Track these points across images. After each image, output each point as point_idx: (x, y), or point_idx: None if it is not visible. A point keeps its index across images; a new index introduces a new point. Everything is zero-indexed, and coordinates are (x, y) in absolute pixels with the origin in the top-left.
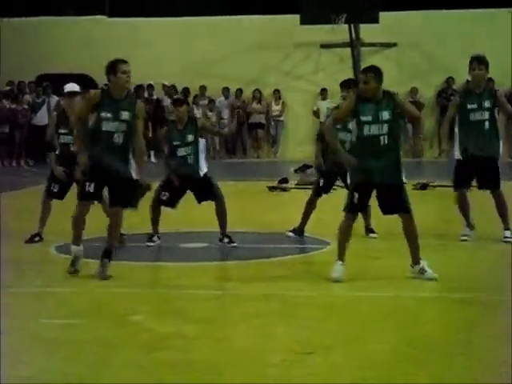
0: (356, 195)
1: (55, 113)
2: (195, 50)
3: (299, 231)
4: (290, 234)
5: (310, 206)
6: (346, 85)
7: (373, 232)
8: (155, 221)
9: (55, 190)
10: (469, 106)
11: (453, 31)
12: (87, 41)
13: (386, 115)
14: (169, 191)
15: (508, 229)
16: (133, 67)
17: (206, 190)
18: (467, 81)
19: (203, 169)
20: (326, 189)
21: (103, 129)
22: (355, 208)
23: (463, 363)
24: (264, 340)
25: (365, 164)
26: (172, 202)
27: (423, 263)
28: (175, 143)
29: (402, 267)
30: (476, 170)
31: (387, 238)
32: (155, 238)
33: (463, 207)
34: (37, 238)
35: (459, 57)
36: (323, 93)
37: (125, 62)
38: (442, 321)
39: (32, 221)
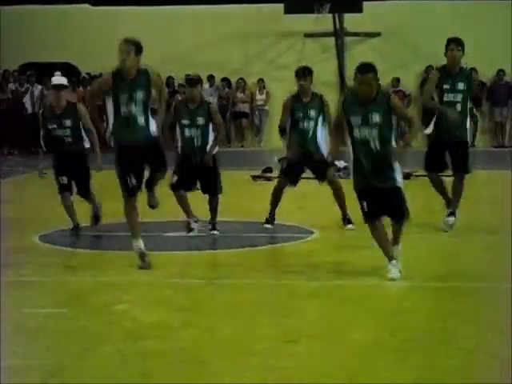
0: (364, 203)
1: (41, 110)
2: (179, 40)
3: (271, 219)
4: (268, 225)
5: (275, 193)
6: (302, 74)
7: (350, 223)
8: (183, 206)
9: (64, 182)
10: (444, 86)
11: (437, 21)
12: (71, 30)
13: (376, 118)
14: (177, 174)
15: (453, 214)
16: (117, 57)
17: (208, 182)
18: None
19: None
20: (291, 178)
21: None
22: (370, 216)
23: (445, 352)
24: (248, 329)
25: (360, 168)
26: (183, 185)
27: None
28: (184, 122)
29: (384, 257)
30: (448, 153)
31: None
32: (193, 225)
33: (437, 188)
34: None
35: (443, 46)
36: None
37: (123, 40)
38: (425, 310)
39: (14, 210)
